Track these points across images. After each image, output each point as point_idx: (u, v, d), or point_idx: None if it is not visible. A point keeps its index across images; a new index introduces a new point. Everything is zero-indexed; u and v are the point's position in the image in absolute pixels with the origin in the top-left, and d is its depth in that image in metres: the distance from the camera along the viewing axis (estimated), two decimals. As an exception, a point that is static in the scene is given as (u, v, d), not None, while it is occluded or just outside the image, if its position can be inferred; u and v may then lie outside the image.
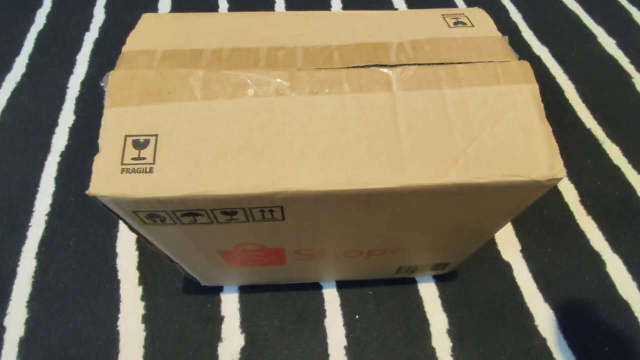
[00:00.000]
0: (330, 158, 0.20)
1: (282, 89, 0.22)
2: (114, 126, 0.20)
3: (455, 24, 0.26)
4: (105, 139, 0.20)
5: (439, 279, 0.38)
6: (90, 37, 0.56)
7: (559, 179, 0.20)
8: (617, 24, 0.60)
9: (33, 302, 0.36)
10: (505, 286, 0.37)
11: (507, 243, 0.40)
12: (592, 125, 0.48)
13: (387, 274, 0.36)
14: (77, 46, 0.55)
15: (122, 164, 0.19)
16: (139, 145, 0.20)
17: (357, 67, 0.23)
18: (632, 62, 0.55)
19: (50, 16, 0.58)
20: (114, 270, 0.37)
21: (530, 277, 0.38)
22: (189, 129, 0.20)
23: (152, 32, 0.25)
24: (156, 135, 0.20)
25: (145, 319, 0.35)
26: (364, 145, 0.20)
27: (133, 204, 0.20)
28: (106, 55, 0.54)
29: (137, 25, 0.25)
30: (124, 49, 0.24)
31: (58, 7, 0.60)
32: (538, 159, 0.20)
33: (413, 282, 0.38)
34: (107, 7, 0.60)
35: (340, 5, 0.62)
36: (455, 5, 0.60)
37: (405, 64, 0.23)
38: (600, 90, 0.52)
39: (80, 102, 0.49)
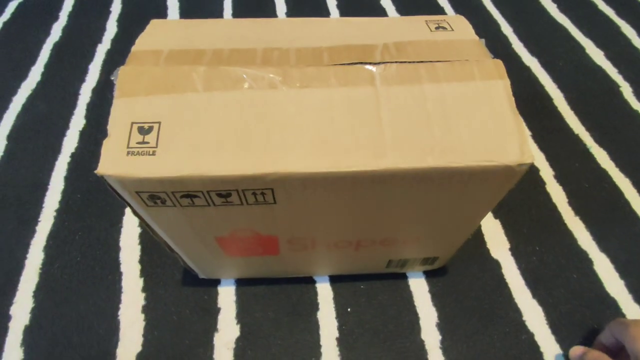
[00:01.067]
0: (318, 145, 0.22)
1: (275, 83, 0.24)
2: (122, 114, 0.22)
3: (437, 28, 0.28)
4: (114, 125, 0.22)
5: (429, 275, 0.39)
6: (102, 48, 0.60)
7: (529, 164, 0.22)
8: (605, 36, 0.62)
9: (39, 292, 0.37)
10: (494, 282, 0.38)
11: (496, 242, 0.41)
12: (580, 131, 0.50)
13: (377, 268, 0.37)
14: (90, 56, 0.58)
15: (127, 147, 0.21)
16: (144, 131, 0.22)
17: (344, 64, 0.25)
18: (620, 72, 0.57)
19: (65, 29, 0.62)
20: (116, 263, 0.39)
21: (519, 275, 0.39)
22: (189, 117, 0.22)
23: (160, 34, 0.27)
24: (159, 123, 0.22)
25: (145, 309, 0.36)
26: (349, 134, 0.22)
27: (136, 184, 0.22)
28: (116, 65, 0.57)
29: (146, 29, 0.28)
30: (133, 48, 0.26)
31: (73, 20, 0.64)
32: (509, 146, 0.22)
33: (404, 277, 0.39)
34: (120, 20, 0.64)
35: (338, 14, 0.65)
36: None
37: (388, 62, 0.25)
38: (589, 98, 0.54)
39: (90, 107, 0.52)
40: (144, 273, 0.38)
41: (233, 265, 0.35)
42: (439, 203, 0.26)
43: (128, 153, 0.21)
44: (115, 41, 0.61)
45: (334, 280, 0.38)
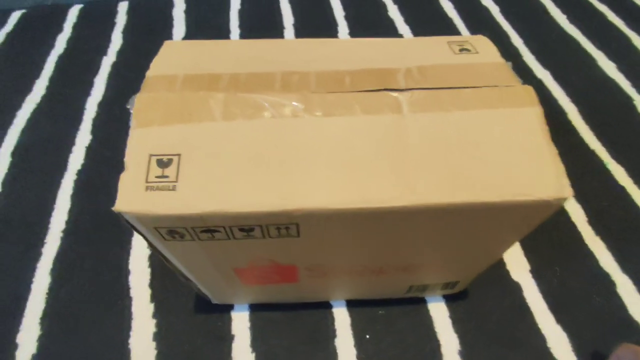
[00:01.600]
0: (345, 178, 0.21)
1: (297, 110, 0.23)
2: (139, 146, 0.21)
3: (461, 50, 0.27)
4: (131, 158, 0.21)
5: (449, 299, 0.38)
6: (107, 61, 0.59)
7: (566, 199, 0.21)
8: (616, 48, 0.62)
9: (46, 319, 0.36)
10: (515, 307, 0.37)
11: (516, 263, 0.40)
12: (596, 147, 0.49)
13: (397, 293, 0.36)
14: (96, 69, 0.57)
15: (146, 182, 0.20)
16: (163, 164, 0.21)
17: (368, 90, 0.24)
18: (633, 85, 0.56)
19: (70, 41, 0.61)
20: (126, 288, 0.38)
21: (541, 298, 0.38)
22: (209, 148, 0.21)
23: (174, 58, 0.26)
24: (179, 155, 0.21)
25: (156, 337, 0.35)
26: (376, 165, 0.21)
27: (155, 221, 0.20)
28: (122, 78, 0.56)
29: (160, 51, 0.27)
30: (148, 73, 0.25)
31: (78, 32, 0.63)
32: (545, 179, 0.21)
33: (423, 302, 0.38)
34: (125, 32, 0.63)
35: (347, 33, 0.64)
36: (458, 32, 0.62)
37: (414, 88, 0.24)
38: (603, 112, 0.53)
39: (96, 122, 0.51)
40: (154, 298, 0.37)
41: (248, 292, 0.33)
42: (465, 234, 0.25)
43: (147, 188, 0.20)
44: (120, 53, 0.60)
45: (351, 305, 0.37)
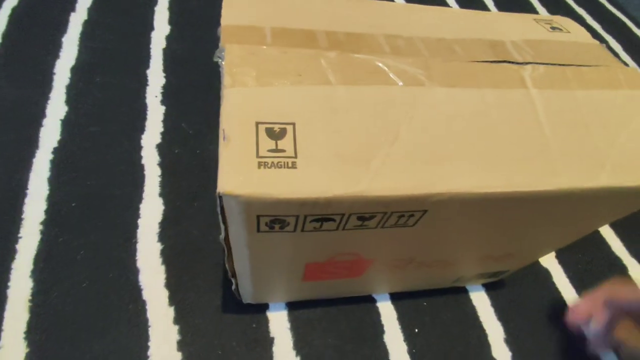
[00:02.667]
0: (483, 158, 0.18)
1: (419, 78, 0.19)
2: (240, 110, 0.17)
3: (553, 29, 0.26)
4: (232, 125, 0.16)
5: (488, 288, 0.37)
6: (77, 18, 0.49)
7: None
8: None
9: (33, 332, 0.28)
10: (549, 292, 0.38)
11: (543, 250, 0.41)
12: None
13: (444, 284, 0.35)
14: (62, 27, 0.47)
15: (257, 156, 0.16)
16: (274, 135, 0.16)
17: (488, 61, 0.21)
18: None
19: (25, -10, 0.50)
20: (136, 289, 0.31)
21: (569, 283, 0.39)
22: (328, 117, 0.17)
23: (247, 7, 0.21)
24: (293, 124, 0.17)
25: (182, 345, 0.30)
26: (515, 145, 0.19)
27: (269, 206, 0.16)
28: (100, 40, 0.47)
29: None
30: (223, 22, 0.20)
31: (34, -19, 0.51)
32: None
33: (464, 291, 0.37)
34: (96, -13, 0.53)
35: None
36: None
37: (533, 63, 0.22)
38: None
39: (72, 91, 0.42)
40: (173, 300, 0.31)
41: (295, 289, 0.30)
42: (580, 217, 0.23)
43: (260, 165, 0.16)
44: (93, 10, 0.50)
45: (395, 297, 0.35)
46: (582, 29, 0.27)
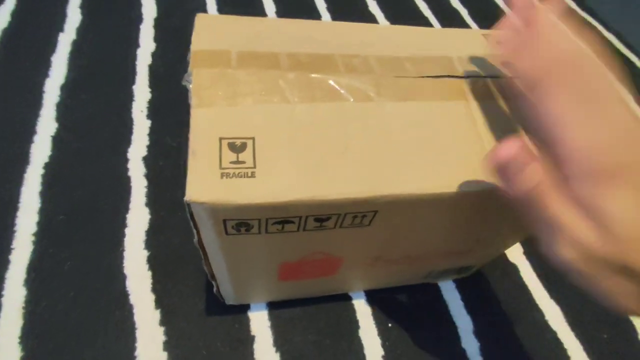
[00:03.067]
0: (427, 162, 0.21)
1: (369, 94, 0.22)
2: (206, 128, 0.19)
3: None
4: (198, 141, 0.18)
5: (459, 283, 0.39)
6: (66, 38, 0.51)
7: None
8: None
9: (28, 338, 0.30)
10: (516, 286, 0.40)
11: (512, 247, 0.43)
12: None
13: (415, 280, 0.37)
14: (51, 47, 0.49)
15: (220, 167, 0.18)
16: (236, 148, 0.19)
17: (433, 76, 0.24)
18: None
19: (15, 14, 0.52)
20: (123, 295, 0.33)
21: (535, 277, 0.41)
22: (285, 132, 0.20)
23: (216, 32, 0.24)
24: (253, 138, 0.19)
25: (167, 346, 0.32)
26: (455, 150, 0.21)
27: (232, 212, 0.18)
28: (87, 58, 0.49)
29: (196, 25, 0.24)
30: (193, 47, 0.22)
31: (24, 4, 0.54)
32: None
33: (436, 287, 0.39)
34: (83, 6, 0.55)
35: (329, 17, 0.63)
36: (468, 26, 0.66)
37: (473, 76, 0.24)
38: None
39: (61, 108, 0.44)
40: (159, 304, 0.33)
41: (274, 289, 0.32)
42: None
43: (222, 175, 0.18)
44: (81, 30, 0.52)
45: (369, 294, 0.37)
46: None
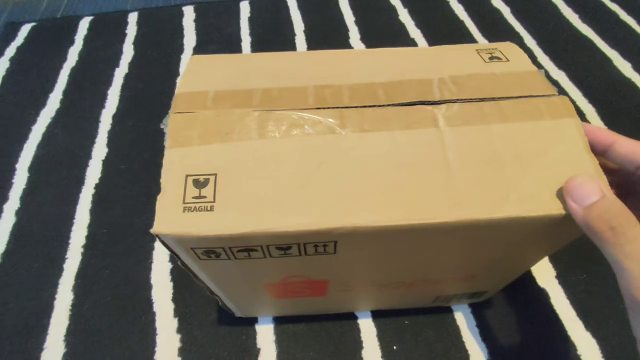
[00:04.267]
0: (386, 194, 0.21)
1: (333, 127, 0.22)
2: (175, 166, 0.21)
3: (491, 59, 0.27)
4: (167, 179, 0.21)
5: (475, 307, 0.37)
6: (119, 72, 0.59)
7: (612, 211, 0.20)
8: (630, 47, 0.61)
9: (70, 336, 0.36)
10: (544, 314, 0.37)
11: (542, 269, 0.40)
12: (616, 148, 0.49)
13: (423, 304, 0.36)
14: (108, 81, 0.57)
15: (183, 202, 0.20)
16: (199, 184, 0.21)
17: (403, 104, 0.23)
18: (650, 85, 0.56)
19: (82, 53, 0.61)
20: (149, 302, 0.38)
21: (569, 305, 0.37)
22: (246, 167, 0.21)
23: (203, 73, 0.26)
24: (215, 175, 0.21)
25: (181, 351, 0.35)
26: (418, 181, 0.21)
27: (194, 242, 0.20)
28: (133, 89, 0.56)
29: (187, 67, 0.27)
30: (177, 91, 0.25)
31: (89, 44, 0.63)
32: (589, 191, 0.21)
33: (449, 310, 0.37)
34: (136, 43, 0.63)
35: (359, 39, 0.64)
36: (471, 35, 0.62)
37: (450, 101, 0.23)
38: (621, 114, 0.53)
39: (111, 134, 0.51)
40: (177, 313, 0.37)
41: (275, 305, 0.33)
42: (507, 247, 0.24)
43: (184, 209, 0.20)
44: (132, 65, 0.60)
45: (377, 315, 0.37)
46: (524, 56, 0.27)
